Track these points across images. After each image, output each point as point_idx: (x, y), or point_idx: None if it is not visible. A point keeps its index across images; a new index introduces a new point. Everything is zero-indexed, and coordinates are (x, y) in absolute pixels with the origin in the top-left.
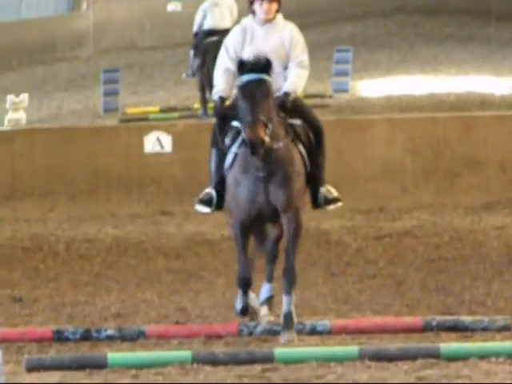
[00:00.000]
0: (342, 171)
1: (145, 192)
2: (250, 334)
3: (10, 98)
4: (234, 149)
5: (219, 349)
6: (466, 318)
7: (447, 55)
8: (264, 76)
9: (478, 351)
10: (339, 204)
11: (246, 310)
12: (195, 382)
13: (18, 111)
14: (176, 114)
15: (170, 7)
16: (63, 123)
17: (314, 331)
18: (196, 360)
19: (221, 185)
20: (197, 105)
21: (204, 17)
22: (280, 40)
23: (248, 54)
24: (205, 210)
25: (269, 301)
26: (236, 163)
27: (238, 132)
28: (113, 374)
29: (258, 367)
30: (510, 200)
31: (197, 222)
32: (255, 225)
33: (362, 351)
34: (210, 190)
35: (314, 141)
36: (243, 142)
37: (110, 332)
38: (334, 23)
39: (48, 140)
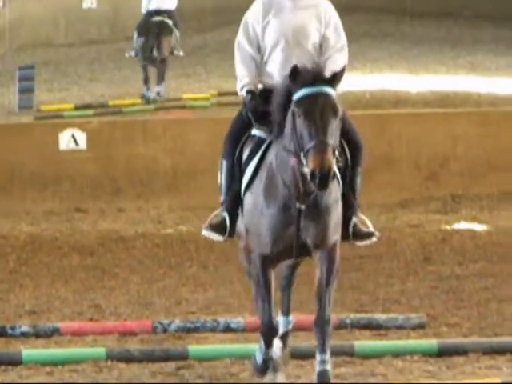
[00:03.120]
0: None
1: (59, 189)
2: (165, 331)
3: None
4: (253, 164)
5: (133, 346)
6: (381, 316)
7: (362, 53)
8: (331, 90)
9: (392, 349)
10: (374, 240)
11: (266, 367)
12: (109, 378)
13: None
14: (90, 111)
15: (86, 4)
16: None
17: (228, 328)
18: (110, 357)
19: (234, 206)
20: (112, 102)
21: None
22: (313, 15)
23: (272, 32)
24: (216, 237)
25: (285, 337)
26: (258, 184)
27: (258, 143)
28: (27, 371)
29: (172, 364)
30: (425, 198)
31: (111, 219)
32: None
33: None
34: (222, 213)
35: (349, 158)
36: (281, 161)
37: (25, 329)
38: None
39: None
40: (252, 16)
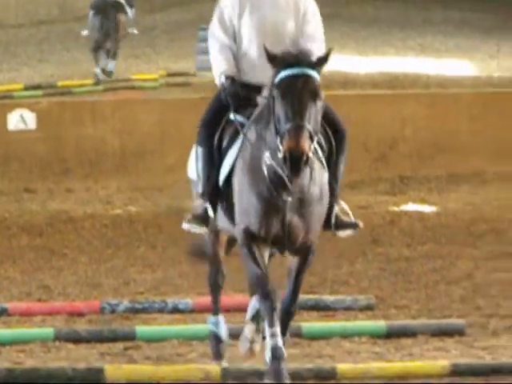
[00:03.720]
0: None
1: (8, 169)
2: (113, 311)
3: None
4: (234, 149)
5: (81, 326)
6: (328, 298)
7: None
8: (313, 73)
9: (340, 330)
10: (357, 230)
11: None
12: (57, 359)
13: None
14: (40, 92)
15: None
16: None
17: (176, 309)
18: (58, 337)
19: (214, 195)
20: (61, 83)
21: None
22: (292, 6)
23: (248, 28)
24: (198, 230)
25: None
26: (242, 168)
27: (237, 128)
28: None
29: (120, 345)
30: (374, 179)
31: (60, 199)
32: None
33: None
34: (203, 203)
35: (334, 145)
36: (272, 152)
37: None
38: (198, 2)
39: None
40: (229, 5)
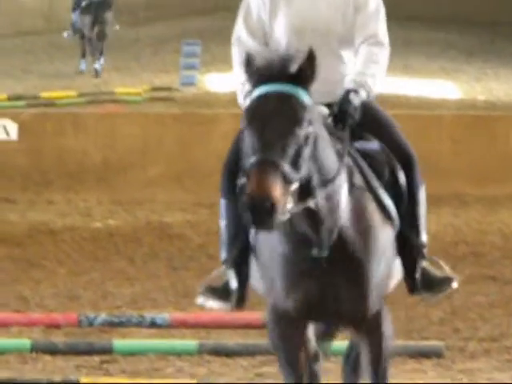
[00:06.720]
0: (185, 165)
1: None
2: (90, 324)
3: None
4: None
5: (59, 338)
6: None
7: None
8: (291, 88)
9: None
10: (453, 286)
11: None
12: (34, 370)
13: None
14: (23, 103)
15: None
16: None
17: (153, 324)
18: (35, 349)
19: (244, 261)
20: (44, 94)
21: None
22: (339, 2)
23: (285, 23)
24: (219, 306)
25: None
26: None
27: None
28: None
29: (96, 358)
30: None
31: (40, 210)
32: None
33: (202, 346)
34: (226, 271)
35: (403, 178)
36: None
37: None
38: (182, 17)
39: None
40: (256, 1)
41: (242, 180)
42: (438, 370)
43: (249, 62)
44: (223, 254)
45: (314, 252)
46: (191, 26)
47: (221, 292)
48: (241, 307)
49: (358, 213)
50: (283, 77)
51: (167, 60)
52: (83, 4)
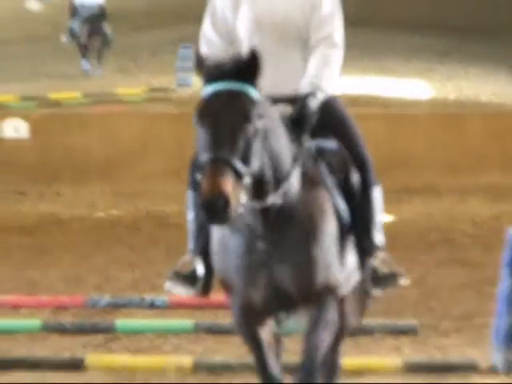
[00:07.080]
0: (182, 160)
1: (2, 174)
2: (95, 306)
3: None
4: None
5: (66, 319)
6: None
7: None
8: (240, 85)
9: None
10: (402, 282)
11: None
12: (44, 349)
13: None
14: (33, 103)
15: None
16: None
17: (153, 305)
18: (45, 329)
19: (210, 248)
20: (52, 95)
21: None
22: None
23: (247, 17)
24: (186, 291)
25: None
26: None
27: None
28: None
29: (101, 337)
30: None
31: (49, 202)
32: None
33: (198, 325)
34: (193, 259)
35: (357, 178)
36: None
37: None
38: (179, 24)
39: None
40: None
41: (198, 176)
42: (413, 346)
43: (200, 63)
44: (190, 244)
45: (260, 245)
46: (188, 31)
47: (188, 278)
48: (206, 293)
49: (307, 203)
50: (231, 75)
51: (165, 62)
52: (80, 15)
